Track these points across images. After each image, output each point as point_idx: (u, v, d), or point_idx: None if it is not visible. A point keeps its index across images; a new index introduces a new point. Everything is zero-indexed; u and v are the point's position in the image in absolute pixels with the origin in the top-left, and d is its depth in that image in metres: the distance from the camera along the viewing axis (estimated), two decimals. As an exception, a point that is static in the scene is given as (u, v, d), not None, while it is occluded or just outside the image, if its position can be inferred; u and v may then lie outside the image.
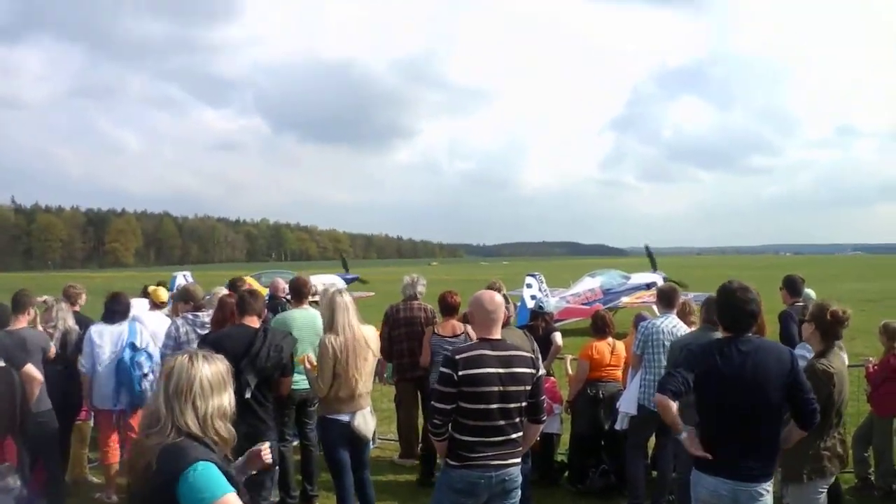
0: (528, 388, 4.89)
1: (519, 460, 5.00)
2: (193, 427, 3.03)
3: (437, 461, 8.79)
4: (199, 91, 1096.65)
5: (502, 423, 4.80)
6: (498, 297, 5.08)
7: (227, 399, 3.18)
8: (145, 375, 7.74)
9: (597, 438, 8.28)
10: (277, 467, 7.06)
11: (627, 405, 7.66)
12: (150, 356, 7.89)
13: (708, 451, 4.66)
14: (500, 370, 4.77)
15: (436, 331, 8.53)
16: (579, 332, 17.38)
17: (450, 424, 4.84)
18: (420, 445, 9.08)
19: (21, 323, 7.23)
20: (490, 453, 4.79)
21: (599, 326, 8.52)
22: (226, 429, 3.14)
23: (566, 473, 8.55)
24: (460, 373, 4.71)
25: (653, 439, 7.89)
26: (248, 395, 6.06)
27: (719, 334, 6.27)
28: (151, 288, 10.52)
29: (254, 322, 6.55)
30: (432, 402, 4.91)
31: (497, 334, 4.98)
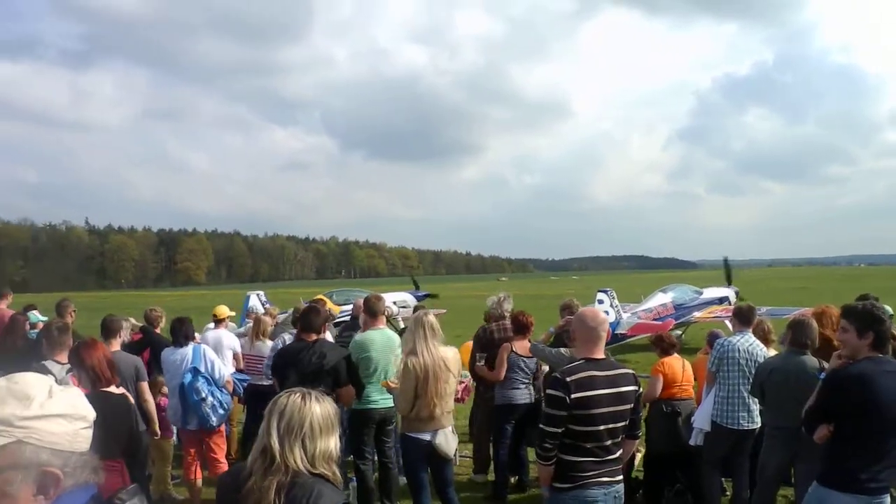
0: (632, 405, 4.90)
1: (622, 477, 5.00)
2: (302, 467, 3.06)
3: (511, 480, 8.94)
4: (267, 111, 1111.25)
5: (609, 442, 4.80)
6: (601, 314, 5.06)
7: (333, 443, 3.19)
8: (203, 400, 7.91)
9: (673, 456, 8.23)
10: (354, 484, 7.29)
11: (701, 422, 7.68)
12: (208, 381, 8.06)
13: (845, 470, 4.81)
14: (610, 390, 4.75)
15: (514, 349, 8.68)
16: (651, 348, 17.26)
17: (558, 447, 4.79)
18: (492, 462, 9.14)
19: (114, 347, 7.47)
20: (601, 470, 4.78)
21: (664, 347, 8.56)
22: (331, 471, 3.14)
23: (640, 491, 8.52)
24: (573, 396, 4.64)
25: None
26: None
27: (809, 357, 6.34)
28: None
29: (310, 337, 7.10)
30: (542, 426, 4.80)
31: (601, 353, 4.94)
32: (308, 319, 7.29)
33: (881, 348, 4.84)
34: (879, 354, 4.83)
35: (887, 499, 4.85)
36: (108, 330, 7.70)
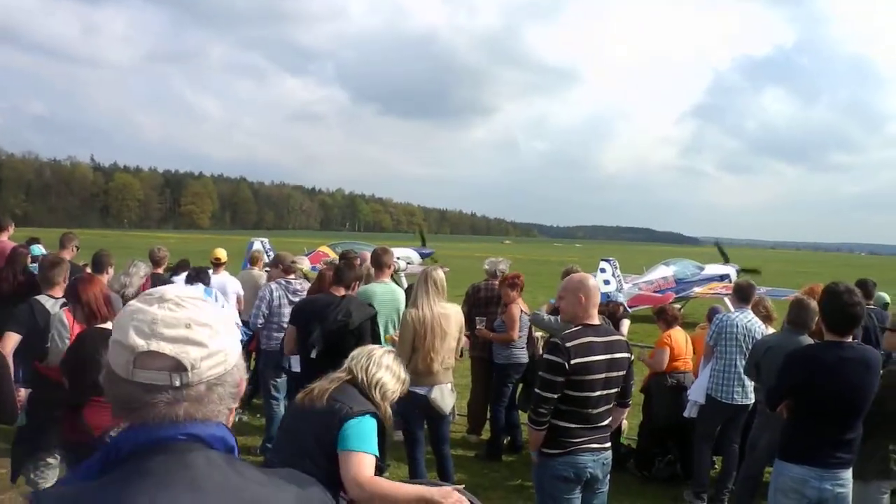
0: (625, 372, 4.89)
1: (610, 444, 5.00)
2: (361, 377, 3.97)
3: (503, 442, 9.00)
4: (280, 60, 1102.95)
5: (602, 409, 4.78)
6: (592, 280, 5.02)
7: (393, 383, 4.07)
8: None
9: (670, 428, 8.27)
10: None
11: (696, 394, 7.74)
12: None
13: (800, 444, 4.91)
14: (606, 356, 4.70)
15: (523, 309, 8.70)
16: (650, 320, 17.36)
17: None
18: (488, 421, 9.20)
19: None
20: (592, 437, 4.77)
21: (668, 319, 8.58)
22: (382, 396, 3.97)
23: (631, 459, 8.56)
24: (572, 361, 4.57)
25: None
26: (313, 355, 6.51)
27: (805, 338, 6.34)
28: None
29: (340, 291, 6.95)
30: (538, 391, 4.74)
31: (597, 319, 4.91)
32: (341, 273, 7.12)
33: (839, 330, 4.82)
34: (842, 338, 4.82)
35: (845, 473, 4.90)
36: (98, 265, 7.86)
